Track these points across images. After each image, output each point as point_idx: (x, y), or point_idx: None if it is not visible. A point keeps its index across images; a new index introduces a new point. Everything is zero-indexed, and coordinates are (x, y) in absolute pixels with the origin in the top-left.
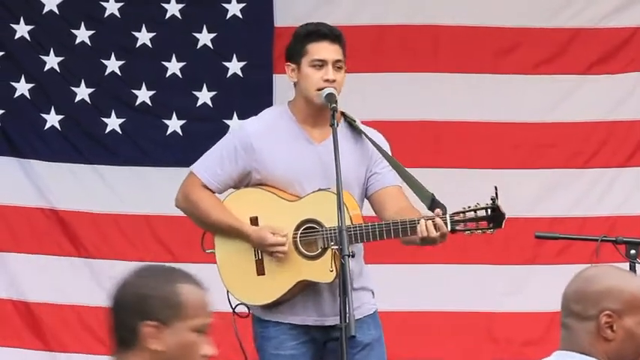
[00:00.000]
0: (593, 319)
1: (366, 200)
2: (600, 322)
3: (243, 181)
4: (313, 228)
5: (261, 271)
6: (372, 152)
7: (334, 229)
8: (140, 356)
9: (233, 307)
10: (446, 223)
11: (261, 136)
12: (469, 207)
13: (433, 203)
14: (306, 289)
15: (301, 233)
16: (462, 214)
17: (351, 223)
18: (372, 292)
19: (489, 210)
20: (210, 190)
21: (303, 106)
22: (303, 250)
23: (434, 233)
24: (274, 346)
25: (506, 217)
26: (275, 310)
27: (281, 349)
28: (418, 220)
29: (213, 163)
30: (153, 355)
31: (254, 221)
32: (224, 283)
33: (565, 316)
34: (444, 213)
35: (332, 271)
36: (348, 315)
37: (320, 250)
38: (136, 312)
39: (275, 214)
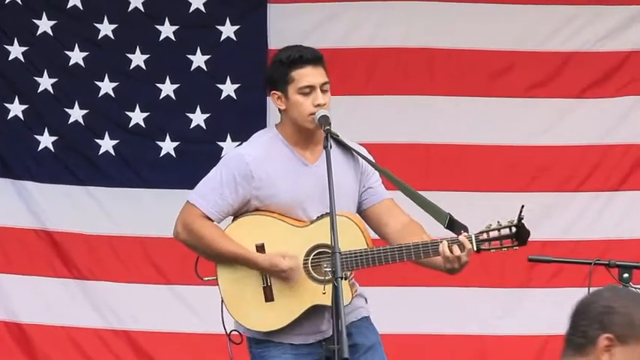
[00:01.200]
0: None
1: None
2: None
3: (242, 209)
4: (326, 253)
5: (269, 298)
6: (363, 166)
7: (348, 253)
8: None
9: (228, 332)
10: (471, 243)
11: (260, 164)
12: (491, 225)
13: (451, 223)
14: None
15: (313, 258)
16: (485, 234)
17: (368, 246)
18: (365, 299)
19: (514, 228)
20: (210, 219)
21: (293, 130)
22: (316, 275)
23: (458, 252)
24: None
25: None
26: (277, 332)
27: None
28: (440, 242)
29: (212, 193)
30: None
31: (260, 248)
32: (229, 312)
33: None
34: (467, 233)
35: (324, 293)
36: (341, 336)
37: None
38: (599, 322)
39: (282, 240)
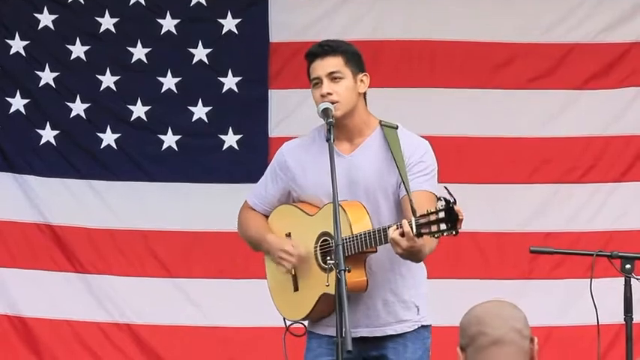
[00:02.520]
0: None
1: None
2: None
3: (288, 201)
4: (327, 241)
5: (296, 287)
6: (407, 159)
7: (343, 239)
8: None
9: (287, 324)
10: (412, 227)
11: (295, 154)
12: (433, 209)
13: (413, 210)
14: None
15: (320, 246)
16: (426, 217)
17: (351, 233)
18: (417, 308)
19: (444, 212)
20: (257, 211)
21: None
22: (322, 264)
23: (395, 235)
24: (312, 359)
25: (462, 218)
26: (317, 323)
27: None
28: (388, 228)
29: (259, 186)
30: None
31: (288, 237)
32: (273, 302)
33: None
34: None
35: (327, 285)
36: (344, 330)
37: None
38: None
39: (301, 230)
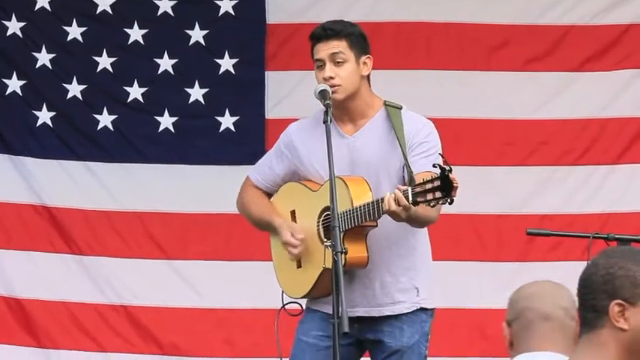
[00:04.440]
0: None
1: None
2: None
3: (293, 180)
4: (328, 215)
5: (299, 264)
6: (411, 141)
7: (343, 213)
8: (606, 335)
9: (283, 303)
10: (407, 197)
11: (300, 134)
12: (431, 177)
13: (411, 179)
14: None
15: (322, 221)
16: (422, 186)
17: (352, 205)
18: (417, 290)
19: (439, 180)
20: (260, 189)
21: (332, 104)
22: (324, 238)
23: (393, 206)
24: (302, 332)
25: (457, 186)
26: (315, 300)
27: (305, 335)
28: (383, 199)
29: (263, 164)
30: (617, 334)
31: (293, 215)
32: (278, 280)
33: None
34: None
35: (324, 266)
36: (341, 311)
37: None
38: (604, 292)
39: (305, 206)
